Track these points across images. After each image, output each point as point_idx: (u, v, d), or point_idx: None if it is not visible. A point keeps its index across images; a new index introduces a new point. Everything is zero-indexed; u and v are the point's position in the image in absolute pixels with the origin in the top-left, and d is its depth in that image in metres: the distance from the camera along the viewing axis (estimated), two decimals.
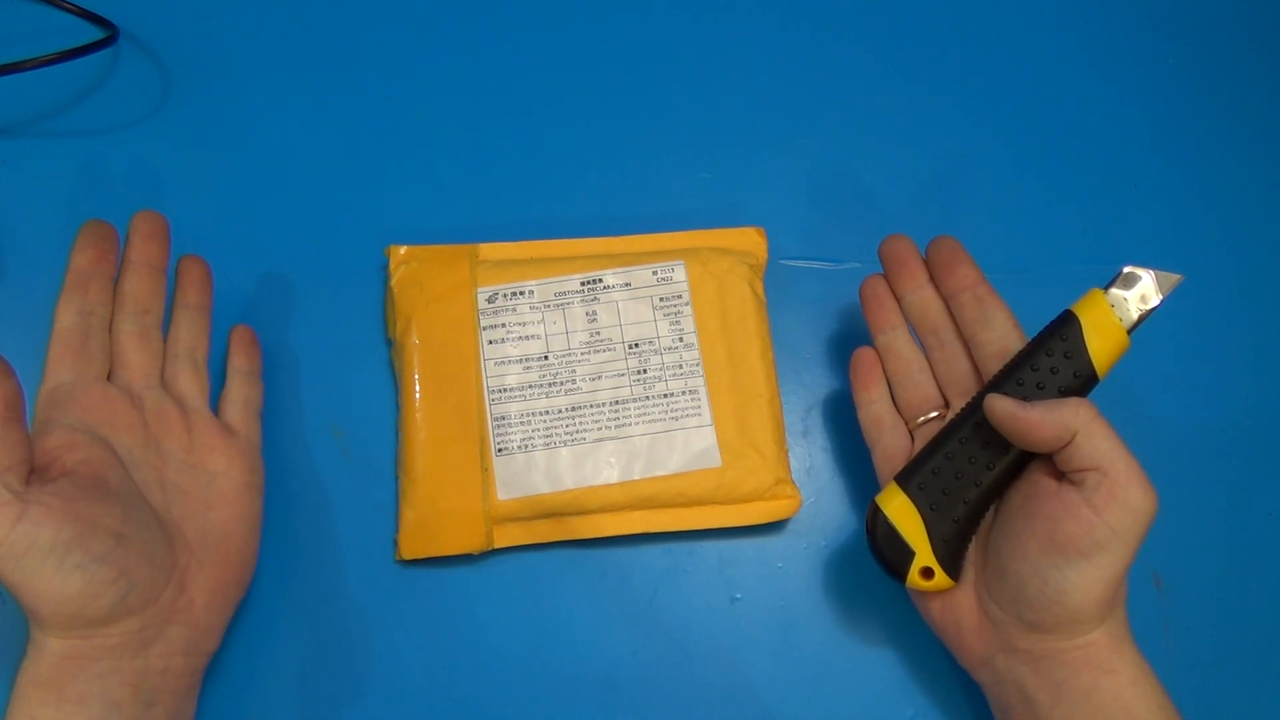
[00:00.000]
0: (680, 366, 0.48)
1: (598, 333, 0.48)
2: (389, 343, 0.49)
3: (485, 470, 0.46)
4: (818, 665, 0.45)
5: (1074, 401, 0.38)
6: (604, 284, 0.49)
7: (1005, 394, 0.40)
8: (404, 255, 0.49)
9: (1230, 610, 0.48)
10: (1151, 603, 0.47)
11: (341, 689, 0.44)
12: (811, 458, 0.49)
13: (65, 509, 0.36)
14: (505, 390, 0.47)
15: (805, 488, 0.48)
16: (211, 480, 0.42)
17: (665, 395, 0.47)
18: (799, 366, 0.51)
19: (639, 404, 0.47)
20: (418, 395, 0.47)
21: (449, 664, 0.45)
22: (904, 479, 0.41)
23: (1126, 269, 0.40)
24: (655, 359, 0.48)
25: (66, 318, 0.42)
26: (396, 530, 0.46)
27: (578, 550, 0.47)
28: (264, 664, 0.44)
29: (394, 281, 0.48)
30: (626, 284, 0.49)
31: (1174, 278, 0.40)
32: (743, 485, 0.46)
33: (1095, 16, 0.59)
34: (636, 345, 0.48)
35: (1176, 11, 0.59)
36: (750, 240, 0.51)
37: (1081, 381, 0.40)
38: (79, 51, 0.49)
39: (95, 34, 0.51)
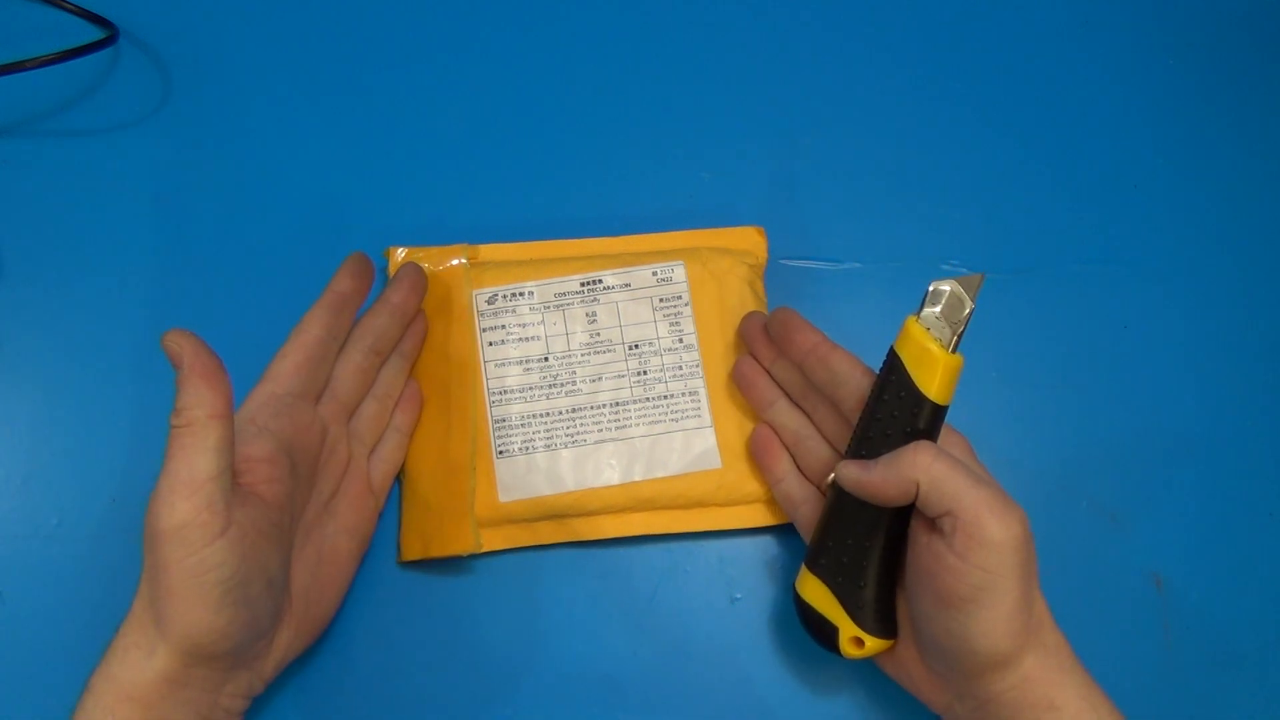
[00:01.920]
0: (680, 367, 0.48)
1: (598, 334, 0.48)
2: None
3: (486, 472, 0.46)
4: (818, 665, 0.45)
5: (911, 449, 0.37)
6: (604, 285, 0.49)
7: (860, 452, 0.40)
8: (403, 256, 0.49)
9: (1230, 610, 0.48)
10: (1151, 603, 0.47)
11: (342, 689, 0.44)
12: None
13: (254, 542, 0.35)
14: (505, 392, 0.47)
15: None
16: (335, 535, 0.42)
17: (665, 396, 0.47)
18: None
19: (639, 405, 0.47)
20: None
21: (449, 664, 0.45)
22: (809, 561, 0.42)
23: (930, 285, 0.39)
24: (655, 360, 0.48)
25: (315, 330, 0.41)
26: (397, 531, 0.46)
27: (578, 551, 0.47)
28: None
29: None
30: (626, 284, 0.49)
31: (976, 278, 0.39)
32: (743, 487, 0.46)
33: (1095, 16, 0.58)
34: (636, 346, 0.48)
35: (1176, 11, 0.59)
36: (750, 240, 0.51)
37: (927, 415, 0.39)
38: (79, 51, 0.49)
39: (95, 34, 0.51)
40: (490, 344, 0.48)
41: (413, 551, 0.45)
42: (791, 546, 0.48)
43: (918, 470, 0.37)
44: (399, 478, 0.47)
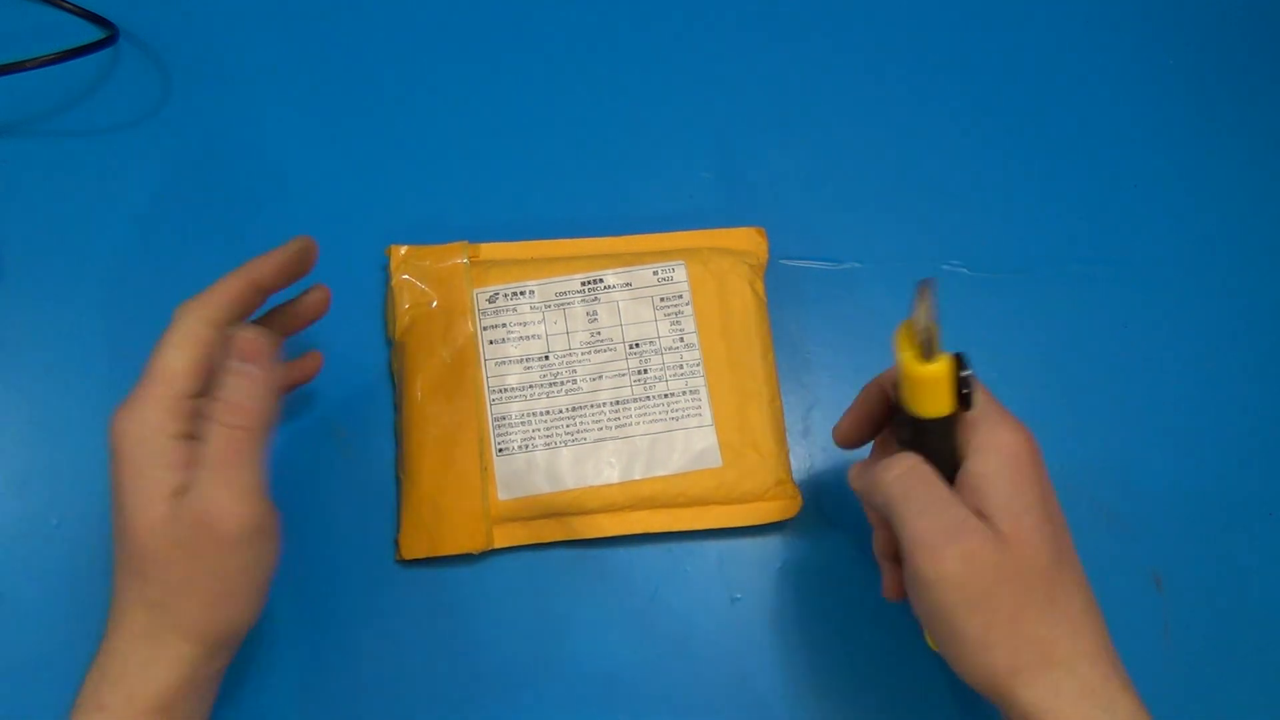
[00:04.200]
0: (681, 366, 0.48)
1: (598, 333, 0.48)
2: (389, 343, 0.49)
3: (485, 470, 0.46)
4: (818, 665, 0.45)
5: (884, 465, 0.35)
6: (605, 284, 0.49)
7: (900, 437, 0.37)
8: (404, 255, 0.49)
9: (1230, 610, 0.48)
10: (1151, 603, 0.47)
11: (342, 689, 0.44)
12: (812, 458, 0.49)
13: (279, 527, 0.36)
14: (506, 390, 0.47)
15: (805, 488, 0.48)
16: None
17: (666, 395, 0.47)
18: (799, 366, 0.51)
19: (639, 404, 0.47)
20: (418, 395, 0.47)
21: (449, 664, 0.45)
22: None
23: (918, 285, 0.33)
24: (656, 359, 0.48)
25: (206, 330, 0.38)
26: (396, 530, 0.46)
27: (578, 550, 0.47)
28: (264, 664, 0.44)
29: (394, 281, 0.48)
30: (627, 284, 0.49)
31: (928, 282, 0.33)
32: (743, 485, 0.46)
33: (1095, 16, 0.59)
34: (637, 345, 0.48)
35: (1176, 11, 0.59)
36: (751, 240, 0.51)
37: (910, 428, 0.36)
38: (79, 51, 0.49)
39: (95, 34, 0.51)
40: (491, 342, 0.48)
41: (417, 550, 0.45)
42: (791, 546, 0.48)
43: (877, 491, 0.35)
44: (397, 476, 0.47)
